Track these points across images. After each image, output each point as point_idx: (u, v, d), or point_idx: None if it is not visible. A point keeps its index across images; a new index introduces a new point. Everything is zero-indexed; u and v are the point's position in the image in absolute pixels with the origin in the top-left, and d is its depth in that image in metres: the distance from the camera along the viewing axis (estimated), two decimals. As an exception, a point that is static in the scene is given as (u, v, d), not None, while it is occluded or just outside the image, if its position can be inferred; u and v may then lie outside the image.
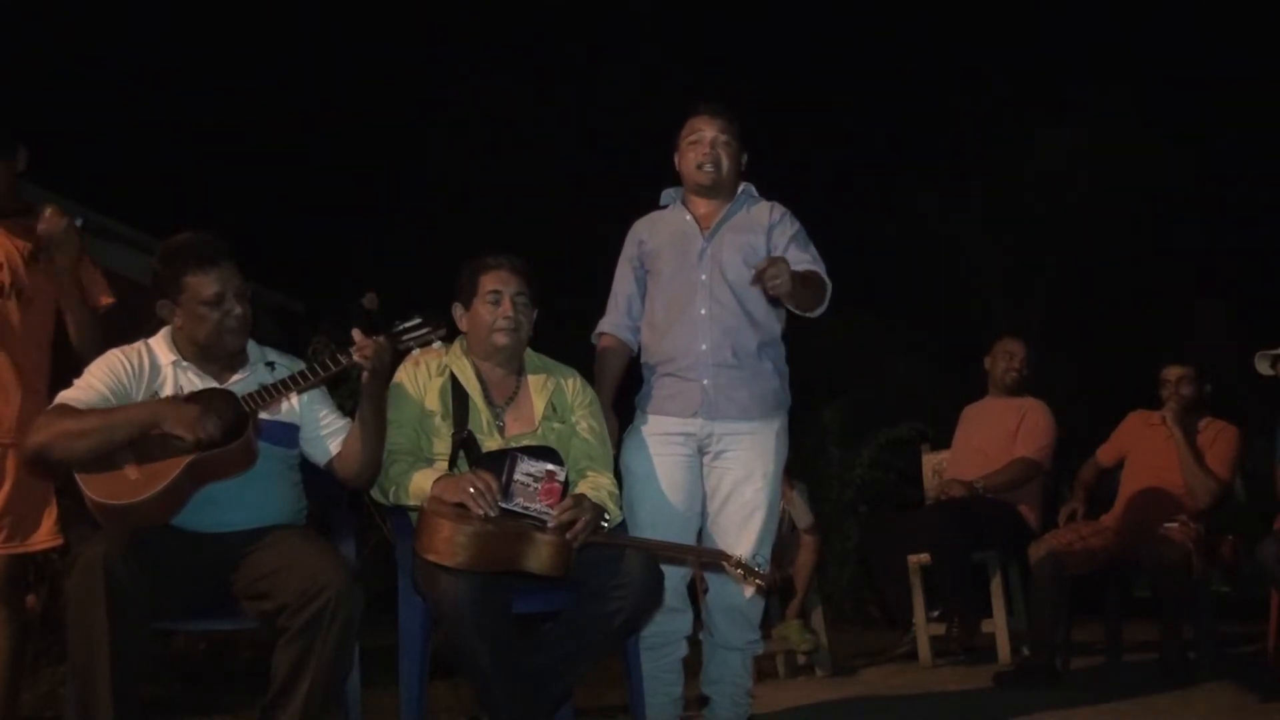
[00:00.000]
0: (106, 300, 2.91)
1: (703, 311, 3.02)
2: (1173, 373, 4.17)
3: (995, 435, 4.50)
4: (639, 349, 3.18)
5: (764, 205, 3.16)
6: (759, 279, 2.76)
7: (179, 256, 2.49)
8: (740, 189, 3.16)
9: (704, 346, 2.99)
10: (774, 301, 3.02)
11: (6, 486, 2.72)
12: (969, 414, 4.75)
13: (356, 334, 2.49)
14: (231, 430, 2.37)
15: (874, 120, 11.65)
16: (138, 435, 2.32)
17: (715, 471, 3.02)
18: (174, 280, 2.48)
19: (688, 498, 3.00)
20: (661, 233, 3.15)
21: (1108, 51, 11.21)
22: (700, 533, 3.05)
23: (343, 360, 2.47)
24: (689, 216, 3.13)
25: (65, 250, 2.74)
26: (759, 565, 2.67)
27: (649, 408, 3.07)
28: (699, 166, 3.07)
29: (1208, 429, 4.13)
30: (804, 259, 3.06)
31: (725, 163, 3.09)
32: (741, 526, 2.98)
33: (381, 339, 2.49)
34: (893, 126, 11.47)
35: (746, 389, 3.00)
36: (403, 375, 2.76)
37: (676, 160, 3.18)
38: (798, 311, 3.04)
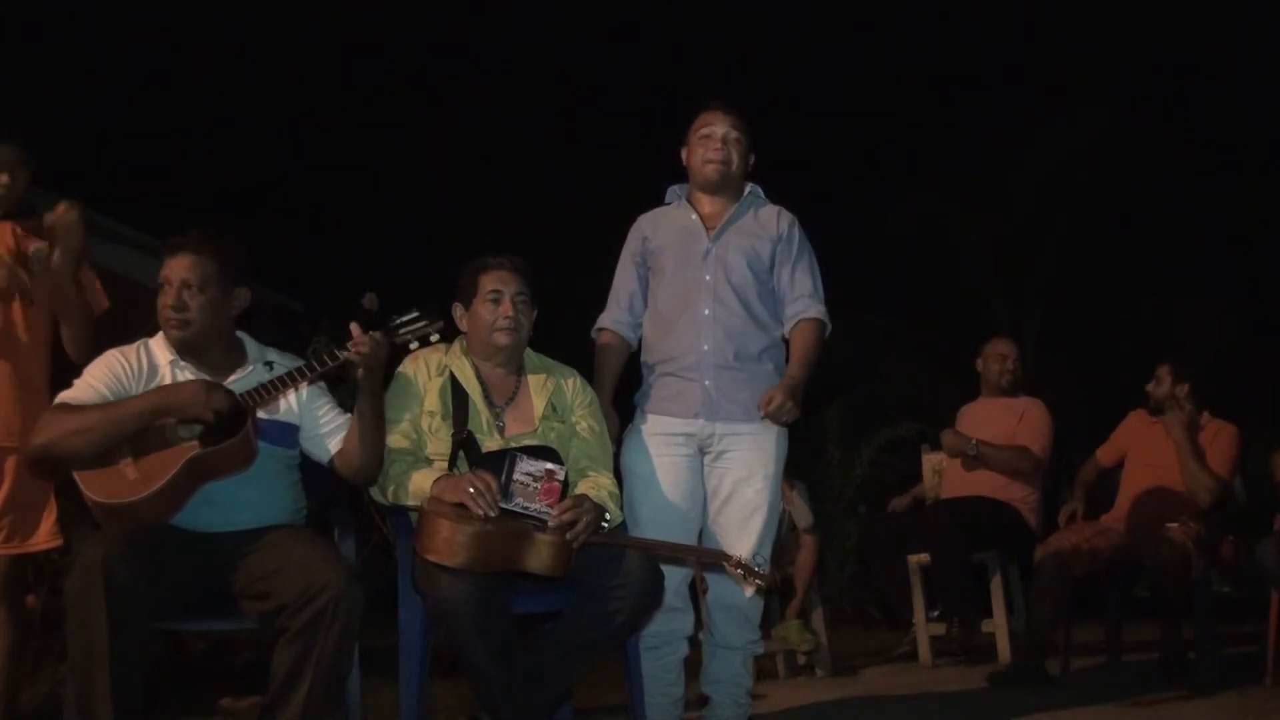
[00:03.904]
0: (101, 307, 2.91)
1: (706, 312, 3.01)
2: (1165, 372, 4.18)
3: (995, 436, 4.50)
4: (639, 345, 3.18)
5: (771, 209, 3.15)
6: (768, 416, 2.93)
7: (169, 240, 2.54)
8: (747, 189, 3.16)
9: (706, 347, 2.99)
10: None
11: (7, 487, 2.73)
12: (965, 415, 4.74)
13: (354, 329, 2.49)
14: (231, 428, 2.37)
15: (873, 120, 11.65)
16: (143, 426, 2.32)
17: (716, 472, 3.02)
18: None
19: (689, 498, 3.00)
20: (666, 230, 3.14)
21: (1106, 51, 11.22)
22: (701, 533, 3.05)
23: (340, 356, 2.47)
24: (694, 215, 3.12)
25: (69, 244, 2.75)
26: (759, 565, 2.67)
27: (649, 408, 3.06)
28: (708, 162, 3.07)
29: (1207, 428, 4.13)
30: (803, 290, 3.08)
31: (735, 160, 3.09)
32: (742, 527, 2.97)
33: (378, 334, 2.49)
34: (892, 126, 11.47)
35: (748, 390, 2.99)
36: (403, 375, 2.76)
37: (684, 155, 3.17)
38: None
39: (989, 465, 4.37)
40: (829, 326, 3.09)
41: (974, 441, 4.39)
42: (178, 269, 2.49)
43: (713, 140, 3.08)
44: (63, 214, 2.75)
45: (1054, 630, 3.97)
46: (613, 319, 3.18)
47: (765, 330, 3.05)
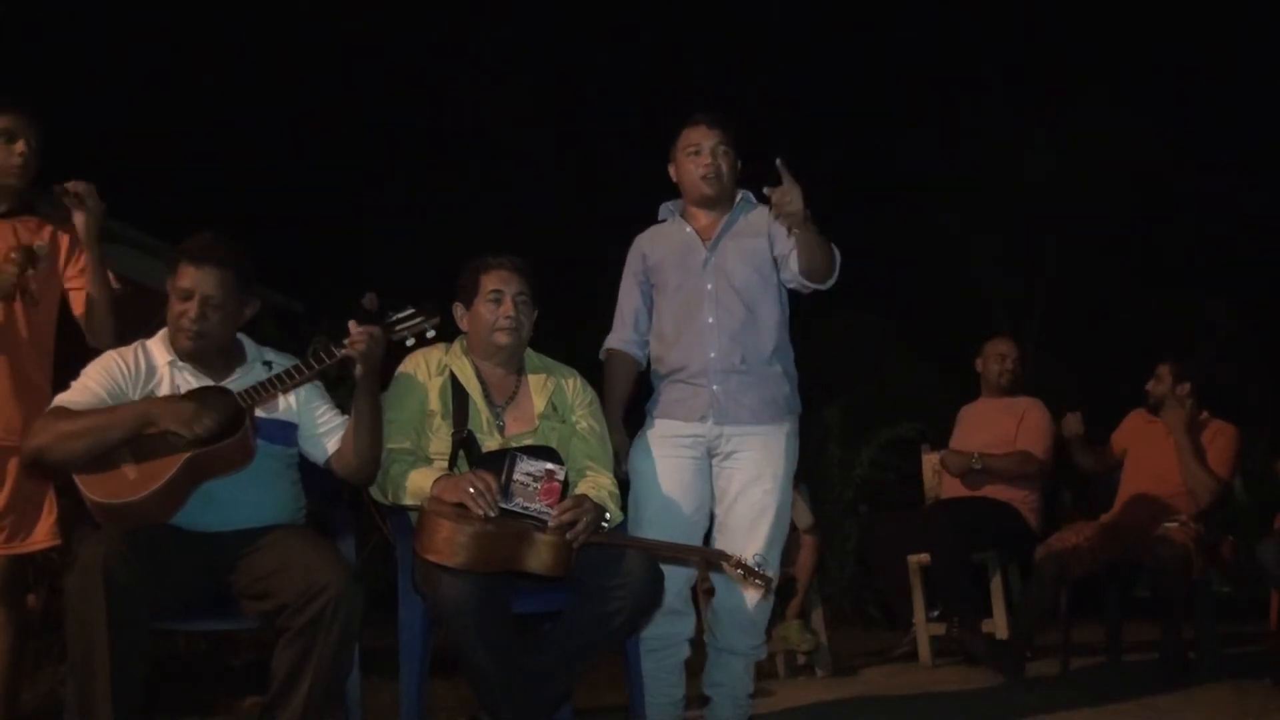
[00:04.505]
0: (115, 285, 2.90)
1: (710, 320, 3.01)
2: (1165, 371, 4.19)
3: (996, 436, 4.50)
4: (648, 362, 3.18)
5: (761, 210, 3.15)
6: (772, 202, 2.77)
7: (183, 245, 2.53)
8: (739, 197, 3.16)
9: (712, 354, 3.00)
10: (788, 244, 2.97)
11: (7, 488, 2.72)
12: (965, 415, 4.74)
13: (352, 326, 2.48)
14: (228, 427, 2.37)
15: (874, 122, 11.65)
16: (133, 434, 2.32)
17: (725, 473, 3.01)
18: (171, 265, 2.52)
19: (694, 500, 3.00)
20: (663, 246, 3.15)
21: (1108, 51, 11.22)
22: (709, 537, 3.04)
23: (336, 353, 2.47)
24: (689, 229, 3.13)
25: (93, 208, 2.74)
26: (759, 565, 2.67)
27: (657, 412, 3.07)
28: (702, 178, 3.07)
29: (1207, 428, 4.13)
30: None
31: (725, 171, 3.09)
32: (750, 528, 2.96)
33: (375, 329, 2.49)
34: (892, 128, 11.46)
35: (756, 393, 3.00)
36: (403, 374, 2.76)
37: (672, 171, 3.17)
38: (808, 282, 2.99)
39: (994, 476, 4.36)
40: (838, 256, 2.99)
41: (976, 455, 4.38)
42: (202, 283, 2.48)
43: (702, 156, 3.07)
44: (84, 186, 2.75)
45: (1036, 628, 3.97)
46: (620, 339, 3.18)
47: (771, 332, 3.05)
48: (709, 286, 3.04)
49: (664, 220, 3.23)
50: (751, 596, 2.97)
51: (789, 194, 2.76)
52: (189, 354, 2.51)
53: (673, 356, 3.05)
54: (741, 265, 3.05)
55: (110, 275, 2.87)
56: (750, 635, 3.03)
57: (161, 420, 2.33)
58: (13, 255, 2.73)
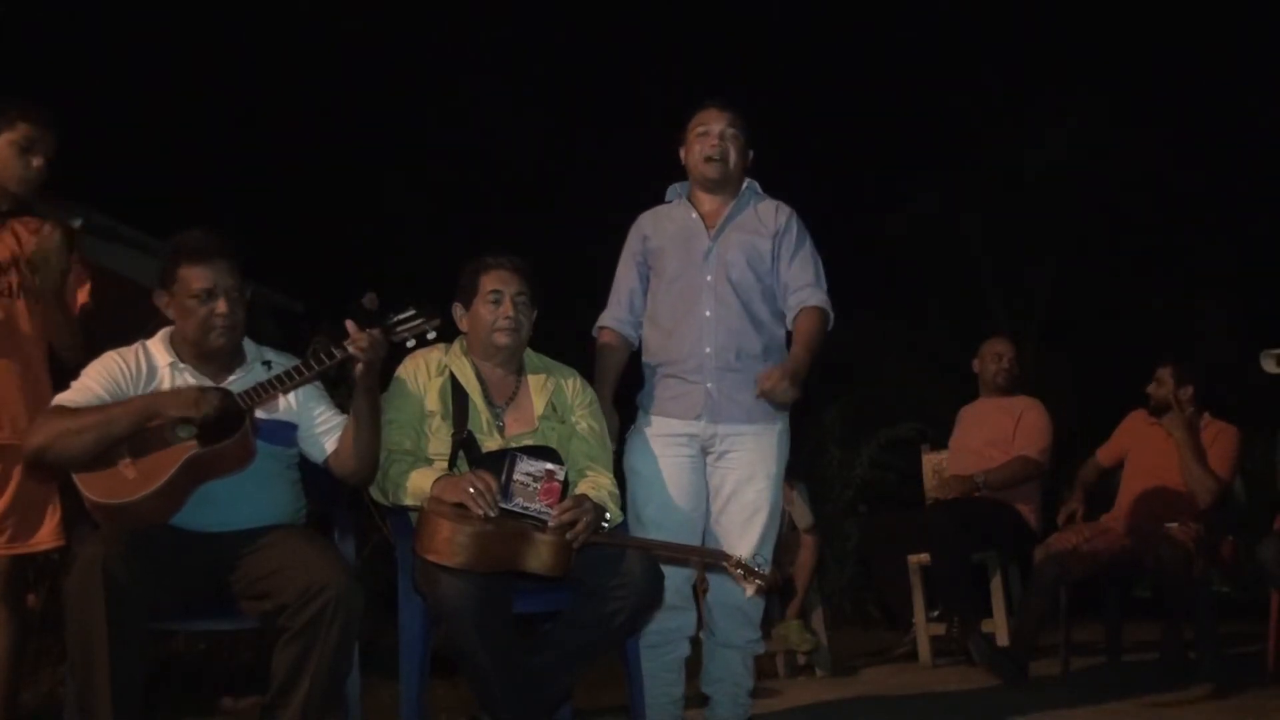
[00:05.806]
0: (83, 300, 2.89)
1: (707, 313, 3.01)
2: (1166, 374, 4.18)
3: (993, 437, 4.50)
4: (639, 344, 3.18)
5: (770, 204, 3.15)
6: (765, 396, 2.90)
7: (178, 249, 2.51)
8: (745, 185, 3.16)
9: (708, 349, 3.00)
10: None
11: (11, 487, 2.72)
12: (965, 415, 4.75)
13: (351, 326, 2.48)
14: (228, 427, 2.37)
15: (874, 119, 11.64)
16: (137, 428, 2.32)
17: (718, 472, 3.02)
18: (170, 272, 2.50)
19: (693, 498, 3.00)
20: (666, 229, 3.14)
21: (1107, 51, 11.22)
22: (704, 533, 3.05)
23: (337, 354, 2.46)
24: (694, 214, 3.12)
25: (50, 270, 2.71)
26: (759, 565, 2.67)
27: (652, 409, 3.07)
28: (707, 159, 3.07)
29: (1207, 429, 4.13)
30: (804, 281, 3.07)
31: (733, 156, 3.09)
32: (744, 527, 2.98)
33: (376, 331, 2.49)
34: (892, 125, 11.47)
35: (750, 391, 2.99)
36: (402, 375, 2.76)
37: (682, 154, 3.17)
38: None
39: (999, 488, 4.35)
40: (832, 316, 3.07)
41: (979, 474, 4.37)
42: (222, 277, 2.47)
43: (710, 137, 3.07)
44: (45, 238, 2.70)
45: (1039, 632, 3.97)
46: (614, 318, 3.18)
47: (766, 329, 3.06)
48: (708, 279, 3.04)
49: (669, 201, 3.23)
50: (746, 591, 2.97)
51: (781, 392, 2.88)
52: (212, 353, 2.51)
53: (668, 347, 3.05)
54: (740, 259, 3.05)
55: (83, 290, 2.86)
56: (746, 628, 3.04)
57: (165, 408, 2.33)
58: (53, 232, 2.69)
